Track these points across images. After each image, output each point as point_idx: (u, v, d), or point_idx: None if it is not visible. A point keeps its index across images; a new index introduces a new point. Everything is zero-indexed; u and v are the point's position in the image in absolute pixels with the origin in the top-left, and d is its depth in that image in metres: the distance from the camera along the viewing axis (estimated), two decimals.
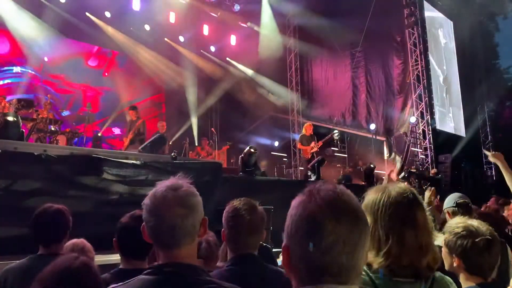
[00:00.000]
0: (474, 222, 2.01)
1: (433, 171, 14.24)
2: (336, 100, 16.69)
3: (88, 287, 1.50)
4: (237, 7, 14.85)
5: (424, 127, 16.84)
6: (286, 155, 15.78)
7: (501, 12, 26.60)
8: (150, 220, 1.35)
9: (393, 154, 16.73)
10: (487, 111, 20.66)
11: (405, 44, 17.25)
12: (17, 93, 11.33)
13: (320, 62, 16.76)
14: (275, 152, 15.82)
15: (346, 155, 16.77)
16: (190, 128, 14.21)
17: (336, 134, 10.99)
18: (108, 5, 12.73)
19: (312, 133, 10.59)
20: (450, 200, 3.26)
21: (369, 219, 1.47)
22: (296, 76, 16.11)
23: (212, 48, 15.54)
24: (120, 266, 2.17)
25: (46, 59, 12.33)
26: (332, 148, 15.87)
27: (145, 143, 7.62)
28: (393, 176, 13.53)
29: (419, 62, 16.94)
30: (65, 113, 12.34)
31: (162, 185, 1.38)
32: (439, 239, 1.87)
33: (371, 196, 1.52)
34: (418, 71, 16.97)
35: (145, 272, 1.34)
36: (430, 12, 17.88)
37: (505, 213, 4.89)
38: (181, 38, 14.76)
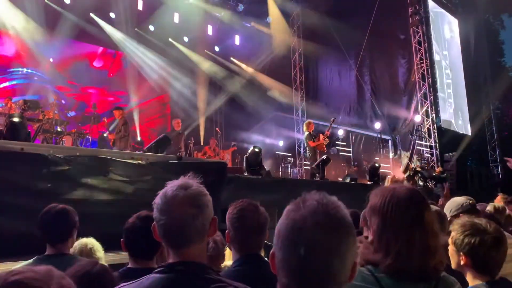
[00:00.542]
0: (482, 220, 2.01)
1: (438, 169, 14.18)
2: (340, 99, 16.67)
3: None
4: (241, 7, 14.86)
5: (429, 125, 16.77)
6: (290, 154, 15.78)
7: (506, 10, 26.46)
8: (161, 219, 1.37)
9: (398, 152, 16.69)
10: (492, 109, 20.55)
11: (410, 42, 17.18)
12: (24, 94, 11.41)
13: (325, 62, 16.75)
14: (280, 151, 15.82)
15: (351, 154, 16.75)
16: (194, 128, 14.24)
17: (333, 119, 11.03)
18: (112, 6, 12.79)
19: (313, 129, 10.75)
20: (455, 206, 3.18)
21: (376, 220, 1.47)
22: (301, 75, 16.10)
23: (216, 48, 15.56)
24: (129, 265, 2.18)
25: (51, 60, 12.40)
26: (337, 148, 15.86)
27: (150, 144, 7.63)
28: (399, 175, 13.49)
29: (424, 60, 16.87)
30: (71, 114, 12.42)
31: (172, 185, 1.39)
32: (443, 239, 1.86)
33: (378, 197, 1.51)
34: (423, 70, 16.90)
35: (155, 270, 1.35)
36: (434, 10, 17.81)
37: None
38: (185, 39, 14.80)
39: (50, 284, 0.77)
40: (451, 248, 1.97)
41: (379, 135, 16.35)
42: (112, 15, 12.98)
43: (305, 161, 14.57)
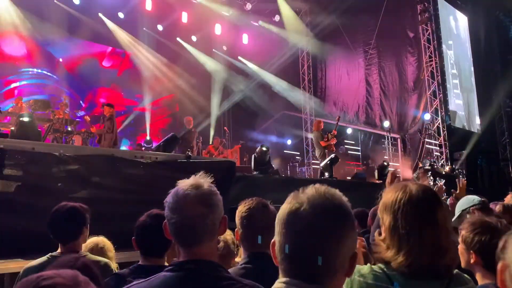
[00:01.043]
0: (492, 219, 2.00)
1: (448, 168, 14.06)
2: (349, 98, 16.61)
3: None
4: (249, 6, 14.86)
5: (439, 124, 16.64)
6: (299, 153, 15.76)
7: None
8: (172, 218, 1.38)
9: (407, 151, 16.59)
10: (503, 107, 20.31)
11: (419, 40, 17.05)
12: (34, 94, 11.53)
13: (333, 60, 16.68)
14: (288, 150, 15.81)
15: (359, 153, 16.68)
16: (204, 128, 14.28)
17: (338, 118, 11.08)
18: (121, 6, 12.87)
19: (322, 128, 10.79)
20: (466, 202, 3.19)
21: (387, 218, 1.47)
22: (309, 74, 16.06)
23: (224, 47, 15.58)
24: (139, 263, 2.21)
25: (61, 60, 12.51)
26: (346, 146, 15.80)
27: (159, 143, 7.67)
28: (408, 173, 13.41)
29: (433, 58, 16.73)
30: (81, 113, 12.52)
31: (184, 184, 1.41)
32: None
33: (390, 194, 1.50)
34: (432, 68, 16.77)
35: (166, 269, 1.36)
36: (444, 7, 17.65)
37: None
38: (194, 38, 14.84)
39: None
40: (461, 247, 1.96)
41: (388, 134, 16.25)
42: (120, 15, 13.07)
43: (313, 159, 14.55)
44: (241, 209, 2.09)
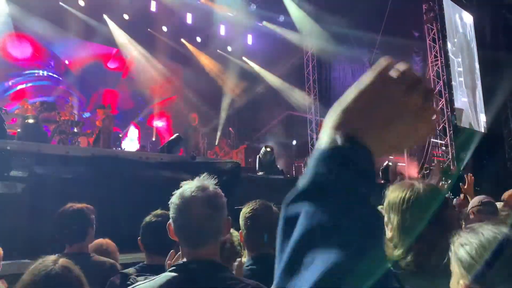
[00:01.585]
0: (491, 220, 1.99)
1: (453, 168, 13.99)
2: None
3: None
4: (253, 7, 14.87)
5: (445, 123, 16.56)
6: (303, 154, 15.72)
7: None
8: (177, 219, 1.40)
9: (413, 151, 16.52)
10: (509, 106, 20.18)
11: (424, 40, 16.98)
12: (40, 96, 11.59)
13: (338, 60, 16.64)
14: (293, 150, 15.78)
15: None
16: (210, 129, 14.29)
17: None
18: (126, 8, 12.92)
19: None
20: (474, 201, 3.22)
21: (395, 217, 1.46)
22: (313, 74, 16.04)
23: (229, 48, 15.59)
24: (145, 262, 2.22)
25: (67, 62, 12.58)
26: None
27: (163, 144, 7.70)
28: (413, 173, 13.35)
29: (439, 58, 16.65)
30: (86, 114, 12.57)
31: (189, 186, 1.42)
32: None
33: (396, 193, 1.49)
34: (438, 67, 16.68)
35: (170, 269, 1.38)
36: (449, 6, 17.57)
37: None
38: (198, 39, 14.87)
39: None
40: None
41: None
42: (126, 16, 13.12)
43: None
44: (245, 210, 2.11)
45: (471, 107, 18.01)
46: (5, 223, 3.82)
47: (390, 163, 10.56)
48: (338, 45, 15.34)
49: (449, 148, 16.38)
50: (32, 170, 4.38)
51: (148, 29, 13.59)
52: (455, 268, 1.06)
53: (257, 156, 8.65)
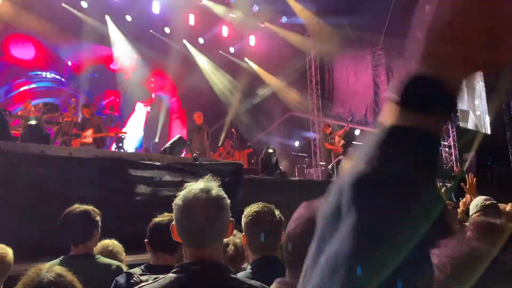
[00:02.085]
0: (497, 220, 1.98)
1: (457, 169, 13.95)
2: (357, 99, 16.54)
3: None
4: (255, 8, 14.87)
5: (448, 124, 16.52)
6: (306, 155, 15.72)
7: None
8: (180, 220, 1.41)
9: None
10: None
11: None
12: (43, 97, 11.63)
13: (341, 61, 16.63)
14: (295, 152, 15.77)
15: None
16: (214, 130, 14.30)
17: (351, 119, 11.20)
18: (128, 9, 12.96)
19: (331, 130, 10.85)
20: (476, 205, 3.18)
21: None
22: (316, 75, 16.03)
23: (231, 49, 15.60)
24: (150, 262, 2.23)
25: (70, 63, 12.62)
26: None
27: (166, 145, 7.71)
28: None
29: None
30: None
31: (193, 187, 1.43)
32: None
33: None
34: None
35: (173, 270, 1.38)
36: None
37: None
38: (201, 40, 14.89)
39: None
40: None
41: None
42: (128, 18, 13.16)
43: (321, 161, 14.51)
44: (247, 213, 2.11)
45: (474, 109, 17.97)
46: (9, 225, 3.83)
47: None
48: (341, 46, 15.33)
49: (453, 149, 16.34)
50: (36, 171, 4.39)
51: (151, 30, 13.63)
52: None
53: (260, 158, 8.65)
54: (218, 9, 14.50)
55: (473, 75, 0.52)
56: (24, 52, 11.93)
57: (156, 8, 13.17)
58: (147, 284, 1.39)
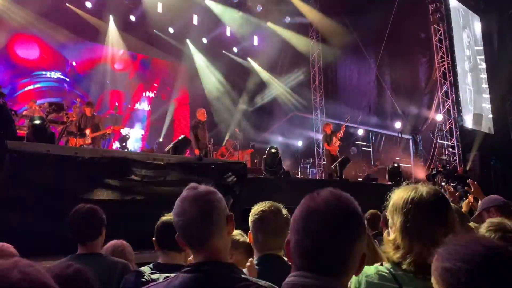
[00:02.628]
0: (510, 221, 2.01)
1: (460, 169, 13.92)
2: (360, 99, 16.54)
3: None
4: (259, 8, 14.90)
5: (451, 124, 16.48)
6: (309, 154, 15.73)
7: None
8: (178, 220, 1.42)
9: (419, 152, 16.47)
10: None
11: (430, 40, 16.90)
12: (48, 97, 11.69)
13: (344, 61, 16.64)
14: (299, 151, 15.79)
15: (371, 154, 16.60)
16: (219, 130, 14.33)
17: (348, 118, 11.20)
18: (132, 9, 13.02)
19: (332, 130, 10.83)
20: (488, 201, 3.16)
21: (398, 219, 1.49)
22: (319, 75, 16.04)
23: (235, 49, 15.63)
24: (158, 260, 2.26)
25: (74, 63, 12.68)
26: (357, 147, 15.73)
27: (170, 145, 7.74)
28: (420, 175, 13.31)
29: (445, 58, 16.57)
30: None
31: (185, 188, 1.46)
32: None
33: (401, 195, 1.52)
34: (444, 68, 16.61)
35: (183, 270, 1.39)
36: (455, 7, 17.49)
37: None
38: (204, 40, 14.93)
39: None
40: None
41: (399, 135, 16.15)
42: (132, 18, 13.21)
43: (324, 161, 14.52)
44: (254, 211, 2.12)
45: (478, 109, 17.92)
46: (16, 224, 3.88)
47: (396, 164, 10.53)
48: (345, 46, 15.34)
49: (456, 149, 16.30)
50: (41, 171, 4.43)
51: (154, 30, 13.67)
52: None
53: (263, 157, 8.67)
54: (221, 9, 14.53)
55: None
56: (29, 52, 12.00)
57: (159, 8, 13.24)
58: (157, 284, 1.40)
